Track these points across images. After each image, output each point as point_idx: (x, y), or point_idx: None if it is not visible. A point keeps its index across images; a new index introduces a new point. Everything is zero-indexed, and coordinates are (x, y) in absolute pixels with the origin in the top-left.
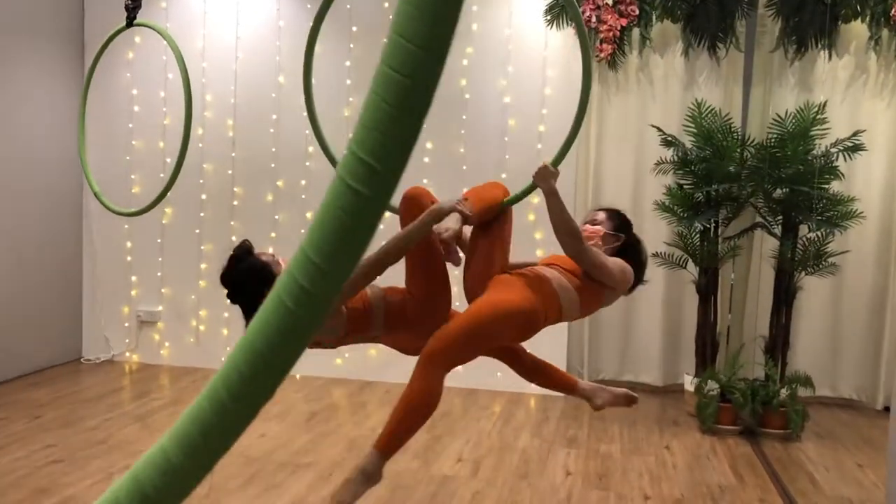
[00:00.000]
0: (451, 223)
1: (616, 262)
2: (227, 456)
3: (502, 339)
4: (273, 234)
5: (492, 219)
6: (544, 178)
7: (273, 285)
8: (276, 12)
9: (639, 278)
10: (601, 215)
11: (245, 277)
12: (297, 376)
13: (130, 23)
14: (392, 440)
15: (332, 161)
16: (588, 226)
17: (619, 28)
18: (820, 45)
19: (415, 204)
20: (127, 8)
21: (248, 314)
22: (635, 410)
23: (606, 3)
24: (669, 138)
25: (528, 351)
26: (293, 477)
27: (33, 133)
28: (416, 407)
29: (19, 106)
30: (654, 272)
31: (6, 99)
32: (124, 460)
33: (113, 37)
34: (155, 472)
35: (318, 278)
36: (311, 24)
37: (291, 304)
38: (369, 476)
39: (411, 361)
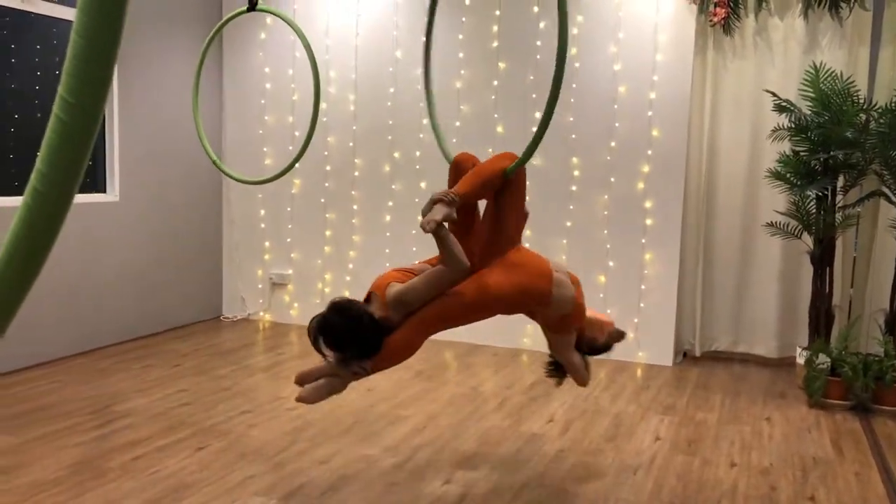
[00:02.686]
0: (434, 215)
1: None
2: (333, 405)
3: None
4: (390, 203)
5: (500, 189)
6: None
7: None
8: None
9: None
10: None
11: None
12: None
13: (253, 7)
14: (378, 368)
15: (438, 137)
16: None
17: None
18: None
19: (459, 169)
20: None
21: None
22: (742, 382)
23: None
24: (784, 103)
25: None
26: (391, 427)
27: (177, 111)
28: (400, 355)
29: (164, 86)
30: (769, 242)
31: (153, 80)
32: (245, 405)
33: (231, 19)
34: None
35: (42, 184)
36: (426, 1)
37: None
38: (334, 388)
39: (519, 328)
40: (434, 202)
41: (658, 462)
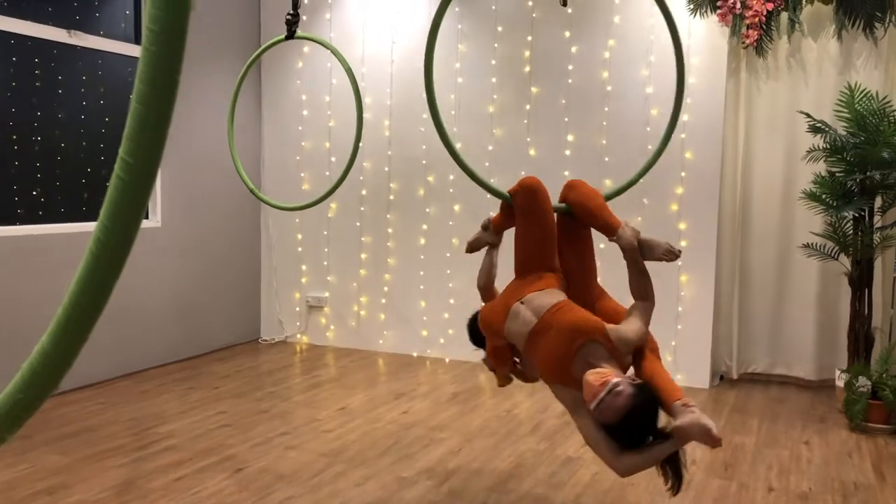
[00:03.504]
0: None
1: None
2: (369, 427)
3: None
4: (425, 226)
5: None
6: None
7: None
8: (428, 18)
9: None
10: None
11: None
12: (447, 360)
13: (291, 35)
14: None
15: (451, 150)
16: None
17: (764, 13)
18: None
19: (539, 191)
20: (287, 22)
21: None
22: (781, 405)
23: None
24: (818, 124)
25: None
26: (426, 450)
27: (217, 138)
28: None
29: (204, 113)
30: (806, 263)
31: (194, 108)
32: (282, 427)
33: (269, 47)
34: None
35: (105, 235)
36: (459, 27)
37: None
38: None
39: None
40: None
41: (694, 486)
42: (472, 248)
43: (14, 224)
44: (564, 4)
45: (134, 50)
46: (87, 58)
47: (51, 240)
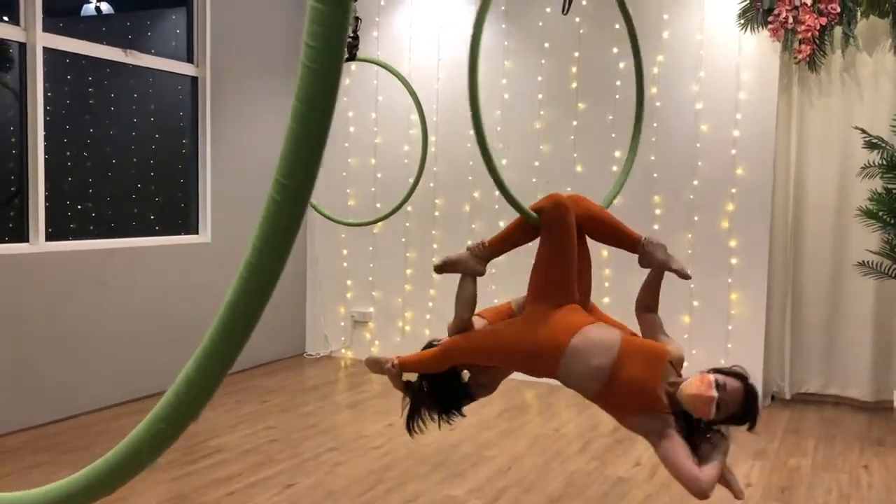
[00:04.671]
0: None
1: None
2: (417, 444)
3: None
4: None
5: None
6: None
7: None
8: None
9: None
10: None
11: None
12: None
13: (352, 57)
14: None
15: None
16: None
17: (817, 27)
18: None
19: (567, 212)
20: (348, 45)
21: None
22: (836, 426)
23: (805, 3)
24: (875, 140)
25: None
26: (475, 468)
27: (266, 155)
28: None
29: (253, 131)
30: (862, 282)
31: (243, 125)
32: (330, 442)
33: None
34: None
35: (257, 259)
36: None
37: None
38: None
39: None
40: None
41: None
42: (446, 269)
43: (67, 239)
44: (566, 13)
45: (185, 68)
46: (139, 76)
47: (100, 255)
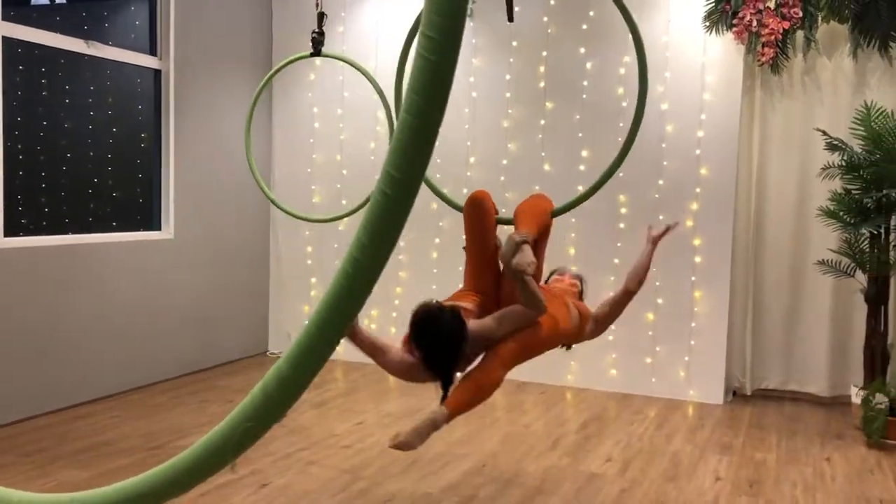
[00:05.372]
0: (527, 257)
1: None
2: (388, 441)
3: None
4: (437, 240)
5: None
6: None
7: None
8: None
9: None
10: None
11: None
12: (457, 374)
13: (317, 53)
14: (461, 407)
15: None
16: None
17: (780, 31)
18: None
19: (483, 207)
20: (313, 41)
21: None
22: (797, 422)
23: (768, 7)
24: (836, 142)
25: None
26: (449, 466)
27: (229, 151)
28: (487, 390)
29: (217, 126)
30: (820, 280)
31: (206, 121)
32: (301, 442)
33: (292, 62)
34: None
35: (362, 255)
36: (473, 41)
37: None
38: (437, 427)
39: (564, 365)
40: (520, 244)
41: (722, 503)
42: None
43: (18, 235)
44: (510, 20)
45: (149, 61)
46: (95, 68)
47: (59, 252)
